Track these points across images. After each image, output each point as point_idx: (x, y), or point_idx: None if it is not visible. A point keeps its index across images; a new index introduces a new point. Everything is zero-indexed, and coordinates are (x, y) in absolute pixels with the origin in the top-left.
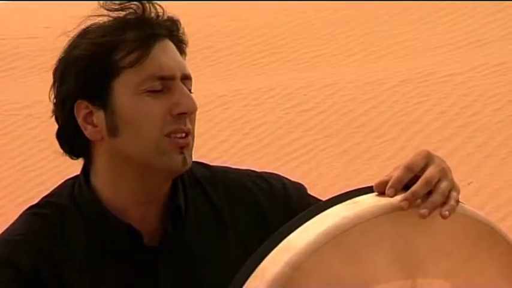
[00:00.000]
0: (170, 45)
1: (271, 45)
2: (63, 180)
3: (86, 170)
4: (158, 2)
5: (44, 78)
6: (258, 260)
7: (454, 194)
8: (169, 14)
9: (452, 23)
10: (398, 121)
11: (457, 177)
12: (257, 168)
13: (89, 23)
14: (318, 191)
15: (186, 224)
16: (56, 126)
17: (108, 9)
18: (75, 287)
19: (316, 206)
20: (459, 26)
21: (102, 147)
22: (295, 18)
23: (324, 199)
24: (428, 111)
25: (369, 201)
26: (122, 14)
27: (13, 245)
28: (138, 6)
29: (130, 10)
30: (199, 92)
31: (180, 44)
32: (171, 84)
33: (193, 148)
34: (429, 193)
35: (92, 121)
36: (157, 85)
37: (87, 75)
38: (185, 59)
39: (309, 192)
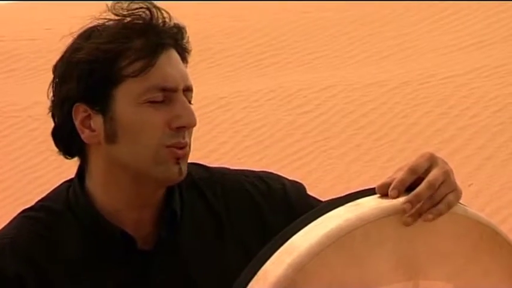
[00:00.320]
0: (175, 55)
1: (272, 46)
2: (59, 184)
3: (80, 172)
4: (160, 1)
5: (44, 80)
6: (260, 262)
7: (449, 197)
8: (175, 21)
9: (453, 24)
10: (399, 123)
11: (457, 179)
12: (257, 169)
13: (93, 22)
14: (318, 192)
15: (181, 228)
16: None
17: (116, 14)
18: None
19: (319, 208)
20: (460, 28)
21: (98, 151)
22: (296, 19)
23: (323, 200)
24: (428, 113)
25: (371, 203)
26: (128, 19)
27: (0, 249)
28: (145, 13)
29: (138, 16)
30: (200, 93)
31: (184, 53)
32: (173, 96)
33: (193, 150)
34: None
35: (89, 125)
36: (159, 96)
37: (89, 80)
38: (187, 67)
39: (308, 192)
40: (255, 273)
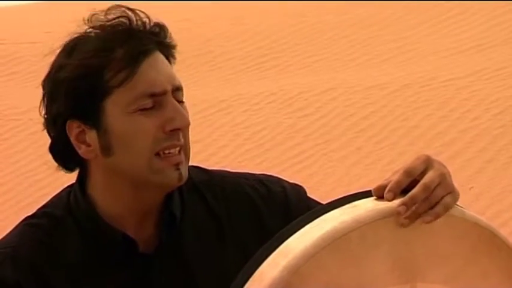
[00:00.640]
0: (159, 58)
1: (273, 49)
2: (61, 189)
3: (81, 178)
4: (162, 1)
5: None
6: (256, 263)
7: (446, 199)
8: (155, 20)
9: (454, 27)
10: (400, 126)
11: (458, 182)
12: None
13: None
14: (318, 195)
15: (182, 230)
16: None
17: (94, 28)
18: None
19: (315, 210)
20: (461, 31)
21: (97, 163)
22: (296, 22)
23: (323, 202)
24: (429, 115)
25: (367, 206)
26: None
27: (1, 258)
28: (124, 20)
29: (117, 25)
30: (200, 96)
31: (169, 51)
32: (162, 100)
33: (193, 153)
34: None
35: (84, 140)
36: (148, 103)
37: (77, 96)
38: (175, 63)
39: (308, 195)
40: (251, 275)
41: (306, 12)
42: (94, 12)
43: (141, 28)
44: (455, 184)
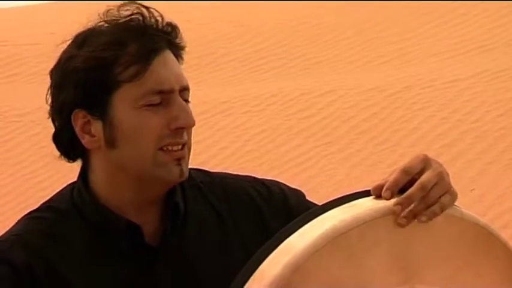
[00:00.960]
0: (170, 57)
1: (274, 51)
2: (63, 186)
3: (84, 173)
4: (164, 1)
5: (46, 85)
6: (257, 262)
7: (443, 199)
8: (168, 20)
9: (455, 29)
10: (400, 127)
11: (459, 184)
12: (258, 175)
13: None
14: (319, 197)
15: (186, 224)
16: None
17: (107, 22)
18: (73, 286)
19: (315, 209)
20: (462, 32)
21: (99, 154)
22: (297, 24)
23: None
24: (430, 117)
25: (366, 204)
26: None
27: (8, 244)
28: (137, 17)
29: (131, 20)
30: (201, 98)
31: (179, 51)
32: (170, 98)
33: (194, 154)
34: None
35: (89, 130)
36: (156, 99)
37: (86, 87)
38: (183, 64)
39: (307, 198)
40: (252, 273)
41: (307, 14)
42: (109, 7)
43: (154, 26)
44: (456, 186)
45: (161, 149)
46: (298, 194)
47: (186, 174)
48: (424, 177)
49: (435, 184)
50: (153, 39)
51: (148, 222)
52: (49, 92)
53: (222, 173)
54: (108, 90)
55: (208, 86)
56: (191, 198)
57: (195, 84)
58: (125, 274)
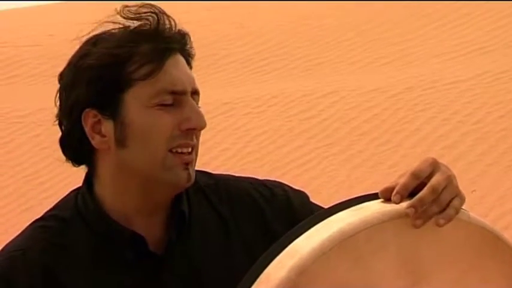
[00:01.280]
0: (181, 60)
1: (275, 52)
2: (67, 192)
3: (88, 179)
4: (165, 1)
5: (47, 86)
6: (263, 265)
7: (455, 202)
8: (180, 28)
9: (456, 30)
10: (402, 129)
11: (460, 185)
12: (259, 176)
13: (99, 29)
14: (320, 198)
15: (190, 229)
16: (60, 133)
17: (124, 17)
18: None
19: (322, 212)
20: (463, 34)
21: (108, 156)
22: (298, 25)
23: (326, 207)
24: (431, 118)
25: (374, 208)
26: (135, 23)
27: (12, 261)
28: (153, 18)
29: (145, 21)
30: (202, 99)
31: (189, 58)
32: (182, 99)
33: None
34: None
35: (99, 130)
36: (168, 99)
37: (99, 85)
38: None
39: (311, 199)
40: (257, 277)
41: (308, 15)
42: (125, 5)
43: (167, 30)
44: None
45: (171, 151)
46: (302, 196)
47: (193, 178)
48: (434, 180)
49: (445, 187)
50: (166, 41)
51: (153, 231)
52: (57, 95)
53: (224, 174)
54: (121, 88)
55: (210, 87)
56: (196, 202)
57: (199, 85)
58: (130, 283)
